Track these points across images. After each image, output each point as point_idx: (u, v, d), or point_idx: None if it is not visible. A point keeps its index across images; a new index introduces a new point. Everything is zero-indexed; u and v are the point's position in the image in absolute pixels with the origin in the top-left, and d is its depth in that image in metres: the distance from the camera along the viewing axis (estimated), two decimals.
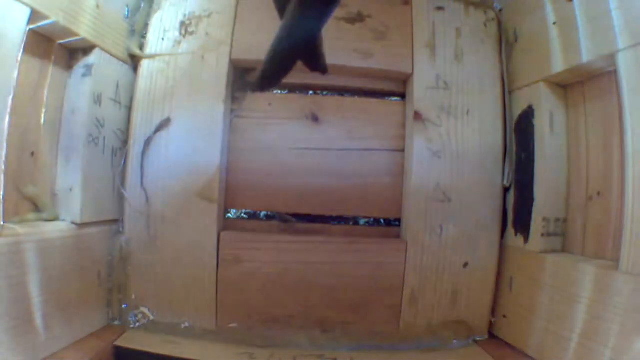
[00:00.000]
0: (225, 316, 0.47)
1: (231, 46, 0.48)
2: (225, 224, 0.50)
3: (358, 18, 0.50)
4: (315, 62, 0.33)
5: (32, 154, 0.39)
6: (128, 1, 0.48)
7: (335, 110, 0.51)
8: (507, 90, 0.49)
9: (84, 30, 0.40)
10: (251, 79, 0.50)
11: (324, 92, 0.53)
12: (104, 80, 0.44)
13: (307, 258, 0.47)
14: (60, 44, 0.41)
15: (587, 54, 0.38)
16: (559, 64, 0.41)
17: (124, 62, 0.47)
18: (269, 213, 0.52)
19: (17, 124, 0.36)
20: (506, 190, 0.49)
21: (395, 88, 0.52)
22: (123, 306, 0.46)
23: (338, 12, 0.50)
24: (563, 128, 0.44)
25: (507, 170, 0.48)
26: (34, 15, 0.34)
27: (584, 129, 0.43)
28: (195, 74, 0.47)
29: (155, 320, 0.46)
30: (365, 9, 0.50)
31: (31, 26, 0.35)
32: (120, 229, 0.47)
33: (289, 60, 0.30)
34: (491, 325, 0.49)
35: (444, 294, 0.47)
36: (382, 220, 0.52)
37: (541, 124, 0.44)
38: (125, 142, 0.47)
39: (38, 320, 0.35)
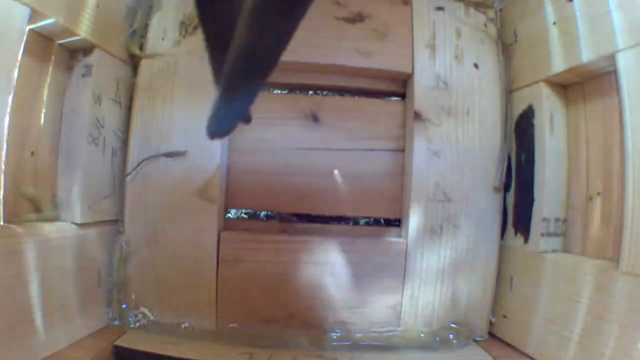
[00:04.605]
0: (225, 316, 0.46)
1: None
2: (225, 224, 0.50)
3: (358, 18, 0.50)
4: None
5: (32, 154, 0.39)
6: (128, 1, 0.48)
7: (335, 110, 0.51)
8: (507, 90, 0.49)
9: (84, 30, 0.40)
10: None
11: (324, 92, 0.53)
12: (104, 80, 0.44)
13: (307, 258, 0.47)
14: (60, 44, 0.41)
15: (587, 54, 0.38)
16: (559, 64, 0.41)
17: (124, 62, 0.47)
18: (269, 213, 0.52)
19: (17, 124, 0.35)
20: (506, 190, 0.49)
21: (395, 88, 0.52)
22: (123, 306, 0.46)
23: (338, 12, 0.50)
24: (563, 128, 0.44)
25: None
26: (34, 15, 0.34)
27: (584, 129, 0.43)
28: (195, 74, 0.47)
29: (155, 320, 0.46)
30: (365, 9, 0.50)
31: (31, 26, 0.35)
32: (120, 229, 0.47)
33: None
34: (491, 325, 0.49)
35: (444, 294, 0.48)
36: (382, 220, 0.52)
37: (541, 124, 0.44)
38: (125, 142, 0.47)
39: (38, 320, 0.35)
